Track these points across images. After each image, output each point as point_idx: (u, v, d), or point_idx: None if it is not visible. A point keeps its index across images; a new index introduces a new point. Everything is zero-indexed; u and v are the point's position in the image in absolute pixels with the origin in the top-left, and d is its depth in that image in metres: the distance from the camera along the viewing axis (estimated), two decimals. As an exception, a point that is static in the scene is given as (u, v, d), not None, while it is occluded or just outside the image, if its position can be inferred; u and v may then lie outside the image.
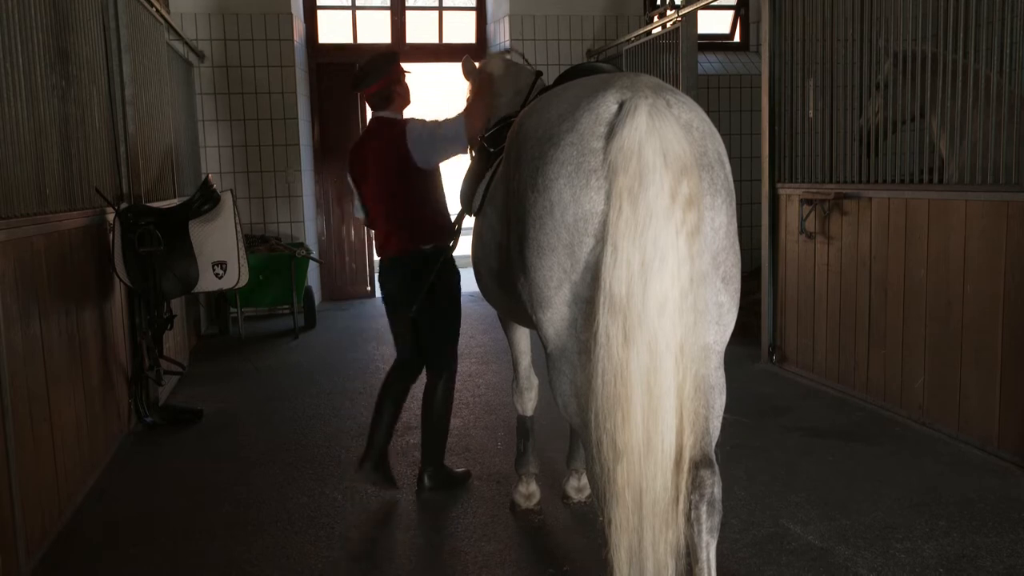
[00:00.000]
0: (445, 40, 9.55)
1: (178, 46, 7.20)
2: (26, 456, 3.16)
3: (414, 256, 3.66)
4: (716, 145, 2.13)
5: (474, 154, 3.46)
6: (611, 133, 1.99)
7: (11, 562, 2.96)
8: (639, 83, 2.08)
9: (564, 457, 3.72)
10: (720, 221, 2.09)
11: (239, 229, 4.76)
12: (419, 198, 3.67)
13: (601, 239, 1.98)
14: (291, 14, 8.37)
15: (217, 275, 4.70)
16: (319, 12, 9.24)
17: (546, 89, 3.09)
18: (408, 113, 3.86)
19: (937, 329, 4.29)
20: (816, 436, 4.38)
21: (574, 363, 2.14)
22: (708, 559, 2.10)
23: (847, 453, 4.12)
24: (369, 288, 9.52)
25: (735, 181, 2.22)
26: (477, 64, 3.80)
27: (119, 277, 4.49)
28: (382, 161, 3.66)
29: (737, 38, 9.71)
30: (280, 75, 8.40)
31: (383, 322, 4.50)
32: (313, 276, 8.68)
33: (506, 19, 8.84)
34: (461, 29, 9.64)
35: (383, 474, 3.79)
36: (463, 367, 6.04)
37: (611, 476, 1.97)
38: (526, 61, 3.86)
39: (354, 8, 9.30)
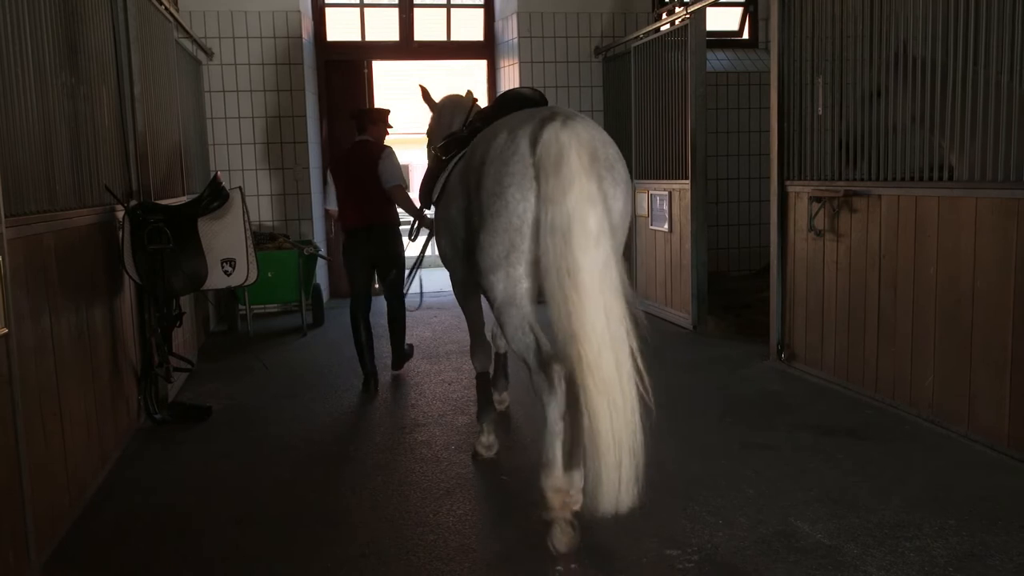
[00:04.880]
0: (453, 37, 9.55)
1: (187, 44, 7.23)
2: (36, 451, 3.18)
3: (380, 225, 5.57)
4: (615, 150, 3.17)
5: (429, 161, 4.48)
6: (535, 140, 2.94)
7: (22, 557, 2.98)
8: (557, 110, 3.05)
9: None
10: (618, 207, 3.08)
11: (248, 226, 4.78)
12: (381, 191, 5.48)
13: (533, 223, 2.97)
14: (299, 12, 8.39)
15: (226, 272, 4.72)
16: (327, 9, 9.25)
17: (484, 111, 4.25)
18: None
19: (947, 327, 4.28)
20: (825, 434, 4.37)
21: (518, 304, 3.14)
22: None
23: (856, 451, 4.10)
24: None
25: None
26: (437, 100, 5.05)
27: (128, 274, 4.51)
28: (363, 166, 5.50)
29: (746, 35, 9.67)
30: (288, 73, 8.42)
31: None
32: (321, 273, 8.70)
33: (514, 16, 8.83)
34: (469, 26, 9.63)
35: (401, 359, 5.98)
36: (465, 364, 6.05)
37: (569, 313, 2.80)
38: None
39: (362, 5, 9.31)
